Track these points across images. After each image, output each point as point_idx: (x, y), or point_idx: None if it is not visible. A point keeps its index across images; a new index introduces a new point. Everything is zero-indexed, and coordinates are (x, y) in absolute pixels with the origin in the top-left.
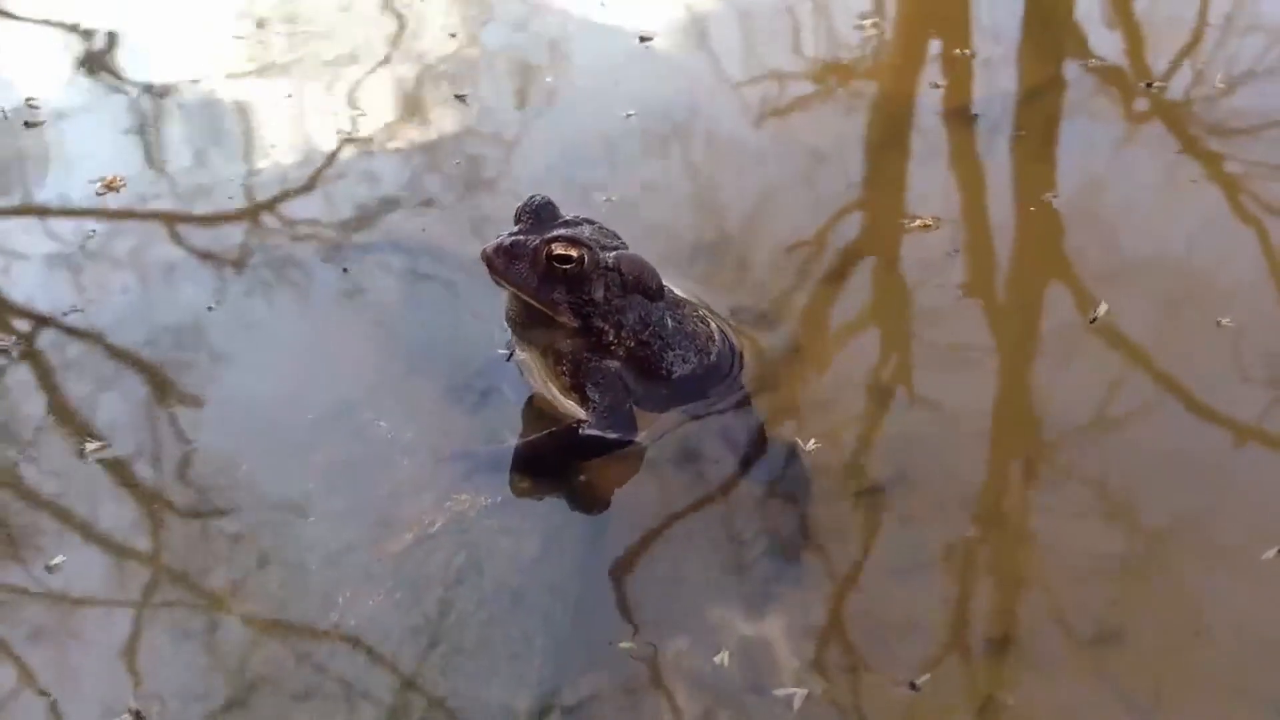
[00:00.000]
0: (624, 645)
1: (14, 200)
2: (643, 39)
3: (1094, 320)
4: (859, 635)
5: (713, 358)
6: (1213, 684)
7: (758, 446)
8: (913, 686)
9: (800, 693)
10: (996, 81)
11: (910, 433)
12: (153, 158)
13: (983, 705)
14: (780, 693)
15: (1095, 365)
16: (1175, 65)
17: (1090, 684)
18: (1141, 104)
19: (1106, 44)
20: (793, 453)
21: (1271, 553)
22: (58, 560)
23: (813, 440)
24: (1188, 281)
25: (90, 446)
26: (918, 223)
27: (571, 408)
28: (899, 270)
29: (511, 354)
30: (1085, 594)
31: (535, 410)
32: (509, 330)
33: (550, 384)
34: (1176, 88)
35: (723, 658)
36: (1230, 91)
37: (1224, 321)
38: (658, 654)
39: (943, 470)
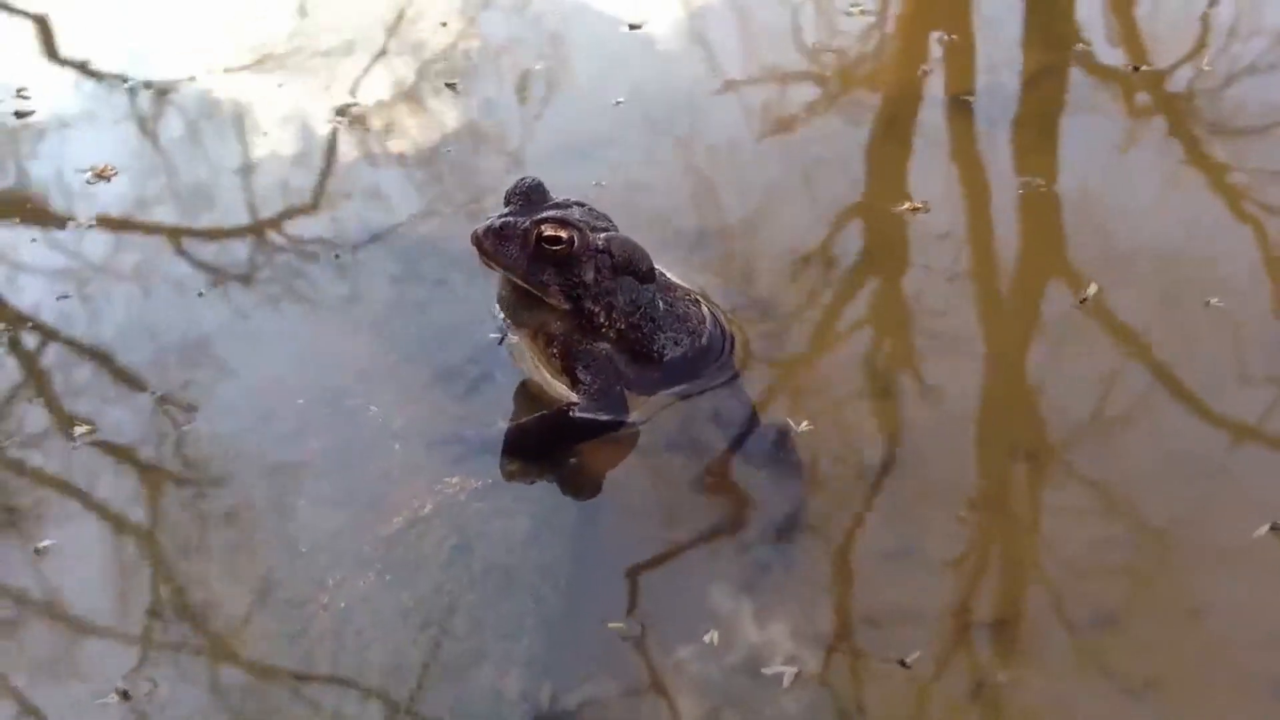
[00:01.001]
0: (614, 625)
1: (4, 188)
2: (632, 26)
3: (1083, 301)
4: (851, 616)
5: (704, 340)
6: (1208, 667)
7: (750, 429)
8: (902, 664)
9: (790, 671)
10: (990, 67)
11: (902, 415)
12: (144, 146)
13: (976, 687)
14: (769, 671)
15: (1089, 347)
16: (1171, 52)
17: (1086, 668)
18: (1137, 90)
19: (1103, 31)
20: (784, 435)
21: (1263, 530)
22: (46, 543)
23: (805, 423)
24: (1180, 264)
25: (79, 431)
26: (907, 205)
27: (563, 390)
28: (890, 252)
29: (503, 338)
30: (1080, 578)
31: (527, 394)
32: (501, 313)
33: (541, 367)
34: (1172, 75)
35: (712, 637)
36: (1226, 79)
37: (1213, 302)
38: (647, 633)
39: (935, 452)
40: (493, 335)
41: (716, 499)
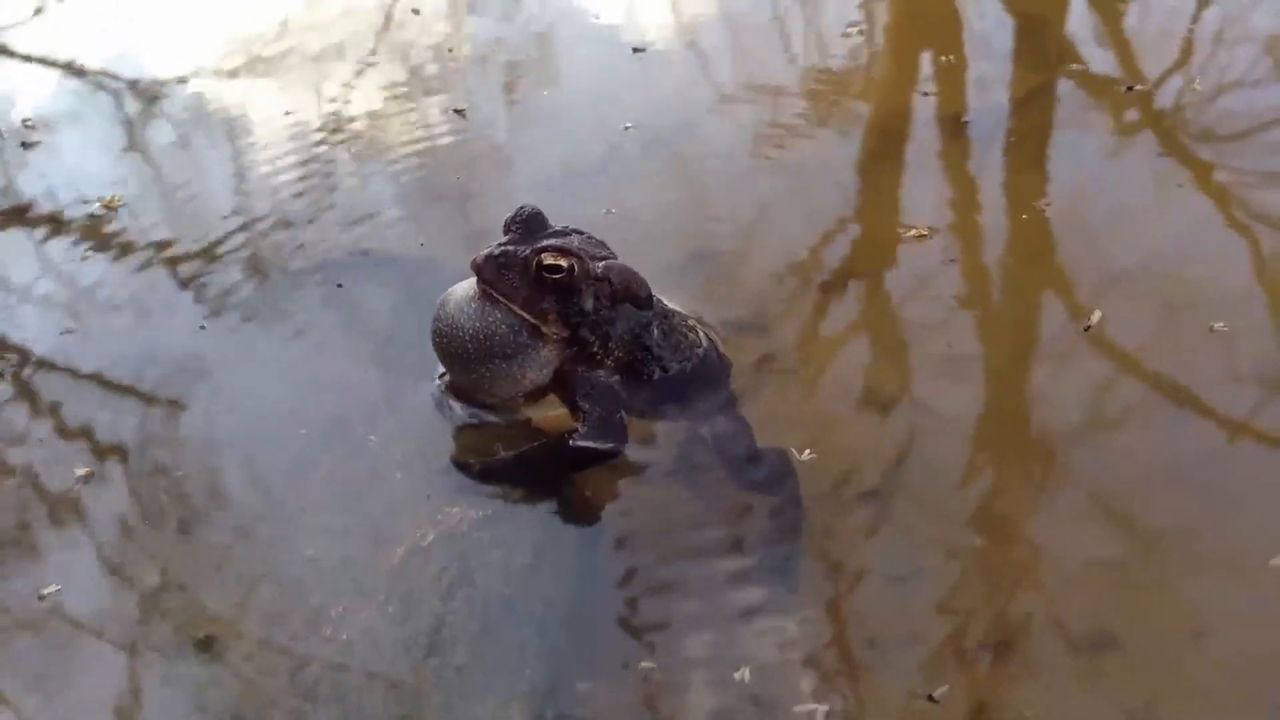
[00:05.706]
0: (645, 665)
1: (10, 221)
2: (636, 49)
3: (1088, 329)
4: (862, 646)
5: (702, 366)
6: (1210, 691)
7: (750, 455)
8: (930, 699)
9: (821, 709)
10: (987, 89)
11: (905, 440)
12: (149, 177)
13: (986, 715)
14: (800, 709)
15: (1091, 372)
16: (1164, 72)
17: (1088, 691)
18: (1131, 111)
19: (1096, 52)
20: (785, 460)
21: (1277, 560)
22: (51, 589)
23: (808, 451)
24: (1180, 286)
25: (79, 471)
26: (913, 232)
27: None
28: (895, 279)
29: (442, 374)
30: (1083, 600)
31: (526, 423)
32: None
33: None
34: (1164, 94)
35: (743, 674)
36: (1218, 97)
37: (1217, 326)
38: (655, 665)
39: (939, 478)
40: (436, 382)
41: (718, 526)
